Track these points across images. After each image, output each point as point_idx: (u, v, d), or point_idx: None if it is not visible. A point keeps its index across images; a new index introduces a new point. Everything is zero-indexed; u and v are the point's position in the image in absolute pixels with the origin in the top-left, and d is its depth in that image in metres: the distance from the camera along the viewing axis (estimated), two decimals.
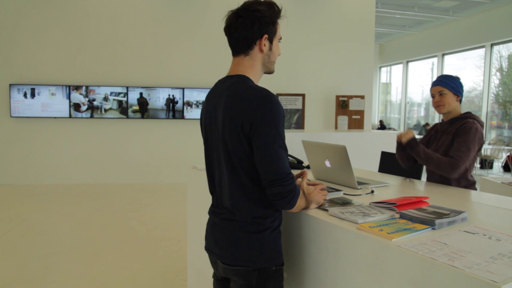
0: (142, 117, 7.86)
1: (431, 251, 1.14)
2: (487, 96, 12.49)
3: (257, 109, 1.34)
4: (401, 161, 2.57)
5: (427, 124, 14.73)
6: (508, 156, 9.78)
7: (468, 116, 2.33)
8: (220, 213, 1.52)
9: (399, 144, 2.46)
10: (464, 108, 2.46)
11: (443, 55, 14.27)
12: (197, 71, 8.00)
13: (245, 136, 1.37)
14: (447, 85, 2.34)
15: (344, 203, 1.67)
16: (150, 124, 7.93)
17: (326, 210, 1.55)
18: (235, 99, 1.40)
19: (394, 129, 16.64)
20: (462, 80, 2.41)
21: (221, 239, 1.51)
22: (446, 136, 2.34)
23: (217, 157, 1.50)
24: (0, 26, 7.44)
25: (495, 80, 12.93)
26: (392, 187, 2.12)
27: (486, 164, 9.98)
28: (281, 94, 7.93)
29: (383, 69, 18.76)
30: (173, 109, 7.93)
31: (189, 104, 7.97)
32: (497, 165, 10.44)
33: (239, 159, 1.41)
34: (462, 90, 2.39)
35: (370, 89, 8.64)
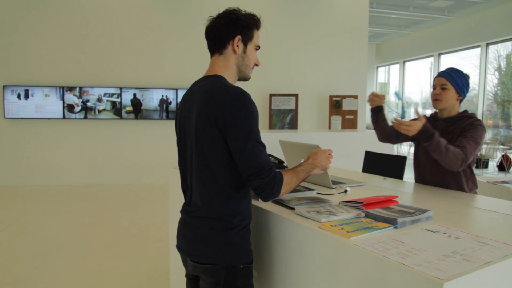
0: (136, 118, 7.86)
1: (386, 250, 1.15)
2: (483, 96, 12.50)
3: (231, 106, 1.37)
4: (381, 136, 2.42)
5: None
6: (503, 156, 9.78)
7: (471, 115, 2.17)
8: (191, 210, 1.53)
9: (375, 112, 2.34)
10: (463, 108, 2.27)
11: (439, 54, 14.29)
12: (191, 72, 7.97)
13: (219, 132, 1.39)
14: (452, 79, 2.14)
15: (314, 202, 1.68)
16: (143, 125, 7.94)
17: (293, 209, 1.57)
18: (210, 96, 1.42)
19: None
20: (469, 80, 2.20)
21: (190, 236, 1.52)
22: (451, 136, 2.12)
23: (190, 155, 1.51)
24: None
25: (494, 79, 12.95)
26: (368, 186, 2.13)
27: (481, 163, 9.99)
28: (274, 95, 7.94)
29: (381, 69, 18.78)
30: (166, 110, 7.93)
31: None
32: (493, 164, 10.45)
33: (212, 156, 1.42)
34: (467, 90, 2.19)
35: (364, 89, 8.64)
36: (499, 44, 12.14)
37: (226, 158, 1.42)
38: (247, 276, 1.50)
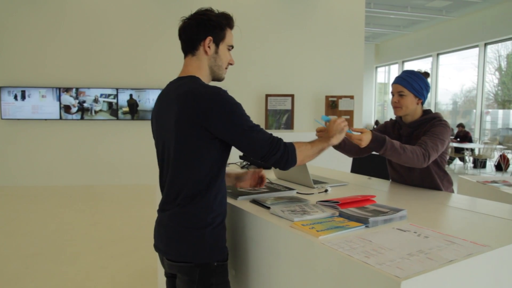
0: (132, 118, 7.88)
1: (352, 248, 1.15)
2: (481, 95, 12.49)
3: (214, 104, 1.39)
4: (350, 155, 2.31)
5: None
6: (501, 156, 9.77)
7: (434, 116, 2.13)
8: (166, 209, 1.54)
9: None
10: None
11: (438, 54, 14.28)
12: None
13: (205, 131, 1.40)
14: (408, 85, 2.08)
15: (292, 201, 1.68)
16: (140, 125, 7.95)
17: (269, 208, 1.57)
18: (190, 97, 1.42)
19: None
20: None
21: (165, 235, 1.53)
22: (415, 141, 2.06)
23: (167, 155, 1.53)
24: None
25: (494, 79, 12.94)
26: (351, 186, 2.13)
27: (479, 163, 9.98)
28: (270, 95, 7.95)
29: (380, 69, 18.77)
30: None
31: None
32: (490, 164, 10.44)
33: (189, 155, 1.44)
34: (427, 92, 2.14)
35: (360, 89, 8.64)
36: (500, 44, 12.14)
37: (203, 157, 1.43)
38: (221, 273, 1.51)
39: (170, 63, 8.04)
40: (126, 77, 7.81)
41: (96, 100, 7.76)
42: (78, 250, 4.11)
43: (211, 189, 1.46)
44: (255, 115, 8.33)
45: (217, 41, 1.55)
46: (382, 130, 2.32)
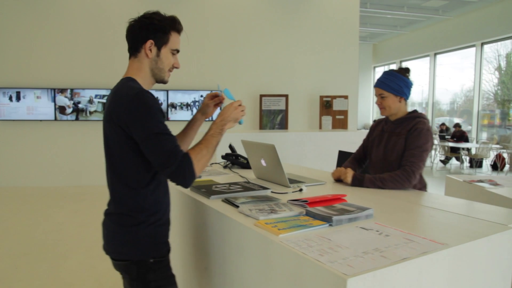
0: None
1: (309, 247, 1.15)
2: (478, 95, 12.48)
3: (128, 105, 1.41)
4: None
5: None
6: (497, 155, 9.76)
7: (417, 115, 2.21)
8: (107, 208, 1.60)
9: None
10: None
11: (435, 54, 14.28)
12: (181, 73, 8.03)
13: (123, 131, 1.43)
14: (387, 87, 2.19)
15: (262, 200, 1.69)
16: None
17: (237, 207, 1.58)
18: (112, 98, 1.49)
19: None
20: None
21: (106, 235, 1.57)
22: (397, 138, 2.19)
23: (105, 155, 1.58)
24: None
25: (494, 79, 12.92)
26: (328, 185, 2.14)
27: (475, 163, 9.97)
28: (264, 95, 7.96)
29: (378, 69, 18.78)
30: None
31: (173, 106, 8.00)
32: (487, 164, 10.43)
33: (118, 155, 1.50)
34: (408, 88, 2.22)
35: (355, 89, 8.65)
36: (499, 43, 12.12)
37: (131, 156, 1.47)
38: (160, 270, 1.54)
39: None
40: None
41: (91, 101, 7.78)
42: (67, 250, 4.13)
43: (144, 188, 1.49)
44: (250, 115, 8.34)
45: (159, 45, 1.56)
46: (372, 130, 2.48)
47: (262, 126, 8.04)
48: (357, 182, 2.06)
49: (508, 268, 1.37)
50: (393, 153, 2.19)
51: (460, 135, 10.86)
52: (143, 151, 1.43)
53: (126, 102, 1.42)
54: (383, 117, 2.39)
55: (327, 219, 1.38)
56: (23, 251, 4.09)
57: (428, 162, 11.53)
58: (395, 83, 2.19)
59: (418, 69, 15.66)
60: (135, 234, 1.48)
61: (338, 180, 2.20)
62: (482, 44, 12.19)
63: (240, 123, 1.67)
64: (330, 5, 8.65)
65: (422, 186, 2.22)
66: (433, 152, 11.26)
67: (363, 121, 18.27)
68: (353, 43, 8.71)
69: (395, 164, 2.15)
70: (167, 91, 7.95)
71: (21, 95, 7.59)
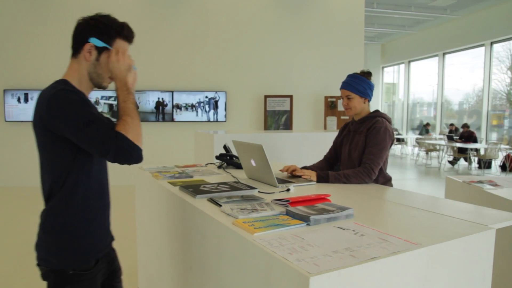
0: None
1: (281, 245, 1.16)
2: (487, 95, 12.32)
3: (50, 105, 1.37)
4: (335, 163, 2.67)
5: (427, 124, 14.58)
6: (506, 156, 9.63)
7: (377, 115, 2.38)
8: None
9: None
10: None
11: (444, 54, 14.14)
12: (186, 75, 8.09)
13: (49, 132, 1.39)
14: (353, 88, 2.36)
15: (247, 200, 1.70)
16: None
17: (220, 205, 1.59)
18: (38, 100, 1.45)
19: (395, 129, 16.50)
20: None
21: (37, 238, 1.53)
22: (359, 136, 2.37)
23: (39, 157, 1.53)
24: None
25: (506, 78, 12.73)
26: (317, 186, 2.14)
27: (484, 164, 9.84)
28: (268, 96, 7.96)
29: (387, 69, 18.65)
30: (162, 112, 8.03)
31: (178, 106, 8.06)
32: (495, 164, 10.29)
33: (43, 157, 1.47)
34: (371, 90, 2.42)
35: None
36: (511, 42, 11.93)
37: (55, 160, 1.44)
38: (80, 282, 1.46)
39: (170, 66, 8.12)
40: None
41: (97, 102, 7.86)
42: None
43: (64, 194, 1.44)
44: (254, 116, 8.36)
45: (101, 49, 1.48)
46: (341, 131, 2.64)
47: (266, 127, 8.05)
48: (322, 179, 2.19)
49: (487, 269, 1.36)
50: (356, 150, 2.36)
51: (469, 136, 10.73)
52: (82, 147, 1.39)
53: (47, 102, 1.37)
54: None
55: (305, 219, 1.38)
56: (27, 250, 4.15)
57: (435, 163, 11.41)
58: (361, 85, 2.36)
59: (428, 69, 15.51)
60: (57, 242, 1.44)
61: (295, 176, 2.31)
62: (492, 43, 12.03)
63: (134, 69, 1.55)
64: (335, 5, 8.63)
65: (386, 181, 2.36)
66: (441, 153, 11.14)
67: None
68: (358, 43, 8.67)
69: (358, 161, 2.32)
70: (172, 92, 8.00)
71: (29, 96, 7.71)
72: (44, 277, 1.48)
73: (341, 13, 8.61)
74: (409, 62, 16.39)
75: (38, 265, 1.50)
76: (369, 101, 2.44)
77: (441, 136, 12.41)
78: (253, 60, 8.30)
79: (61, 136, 1.39)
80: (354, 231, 1.31)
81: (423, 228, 1.37)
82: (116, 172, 7.84)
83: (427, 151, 11.49)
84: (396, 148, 14.89)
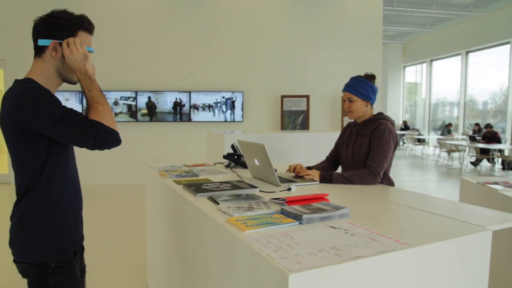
0: (151, 120, 8.11)
1: (268, 243, 1.17)
2: None
3: (19, 104, 1.38)
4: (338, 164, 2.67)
5: (449, 124, 14.26)
6: None
7: (380, 117, 2.35)
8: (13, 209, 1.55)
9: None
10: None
11: (467, 52, 13.80)
12: (203, 75, 8.18)
13: (20, 130, 1.41)
14: (356, 91, 2.34)
15: (245, 198, 1.72)
16: (158, 127, 8.16)
17: (218, 203, 1.62)
18: (4, 100, 1.46)
19: (417, 130, 16.20)
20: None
21: (10, 235, 1.53)
22: (363, 138, 2.35)
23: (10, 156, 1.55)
24: (16, 32, 7.89)
25: None
26: (320, 185, 2.14)
27: (507, 165, 9.56)
28: (285, 96, 7.96)
29: (409, 69, 18.32)
30: (180, 112, 8.13)
31: (195, 107, 8.15)
32: None
33: (14, 154, 1.47)
34: (375, 93, 2.39)
35: (379, 89, 8.49)
36: None
37: (27, 157, 1.45)
38: (62, 274, 1.51)
39: (187, 66, 8.22)
40: (145, 80, 8.04)
41: (116, 103, 8.03)
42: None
43: (42, 191, 1.47)
44: (271, 116, 8.37)
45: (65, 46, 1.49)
46: (343, 132, 2.63)
47: (283, 127, 8.05)
48: (325, 180, 2.17)
49: (484, 272, 1.34)
50: (359, 153, 2.33)
51: (492, 136, 10.44)
52: (58, 140, 1.43)
53: (14, 104, 1.39)
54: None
55: (298, 217, 1.39)
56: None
57: (457, 164, 11.15)
58: (363, 88, 2.34)
59: (451, 68, 15.15)
60: (36, 237, 1.47)
61: (298, 176, 2.29)
62: None
63: (91, 51, 1.59)
64: (352, 4, 8.55)
65: (389, 185, 2.32)
66: (462, 153, 10.88)
67: None
68: (376, 42, 8.57)
69: (362, 163, 2.29)
70: (190, 92, 8.10)
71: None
72: (24, 274, 1.50)
73: (359, 12, 8.52)
74: (431, 61, 16.07)
75: (15, 261, 1.51)
76: (371, 104, 2.41)
77: (464, 137, 12.12)
78: (270, 60, 8.32)
79: (34, 133, 1.42)
80: (345, 230, 1.31)
81: (416, 229, 1.36)
82: (127, 171, 8.01)
83: (449, 151, 11.24)
84: (417, 149, 14.62)
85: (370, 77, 2.41)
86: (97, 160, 8.08)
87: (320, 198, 1.67)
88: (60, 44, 1.50)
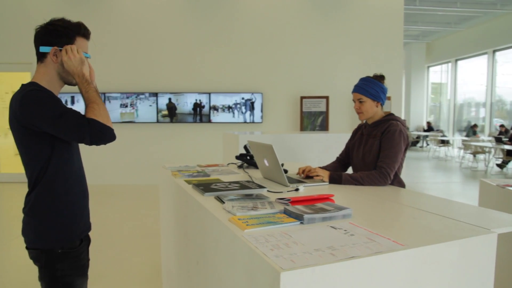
0: (171, 121, 8.23)
1: (267, 242, 1.19)
2: None
3: (23, 104, 1.53)
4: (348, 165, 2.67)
5: (475, 125, 13.88)
6: None
7: (391, 118, 2.34)
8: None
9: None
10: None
11: (494, 51, 13.41)
12: (223, 77, 8.25)
13: (25, 129, 1.55)
14: (366, 92, 2.33)
15: (251, 198, 1.74)
16: (178, 128, 8.28)
17: (223, 203, 1.64)
18: (12, 101, 1.60)
19: (441, 131, 15.84)
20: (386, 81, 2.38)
21: (23, 224, 1.67)
22: (373, 140, 2.34)
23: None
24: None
25: None
26: (328, 186, 2.14)
27: None
28: (304, 97, 7.94)
29: (433, 69, 17.94)
30: (200, 113, 8.23)
31: (215, 108, 8.23)
32: None
33: (23, 150, 1.61)
34: (384, 93, 2.38)
35: (399, 90, 8.38)
36: None
37: (35, 152, 1.59)
38: (68, 260, 1.65)
39: (207, 68, 8.31)
40: (165, 82, 8.18)
41: (132, 104, 8.19)
42: (100, 243, 4.41)
43: (50, 180, 1.60)
44: (290, 117, 8.36)
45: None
46: (354, 133, 2.62)
47: (303, 128, 8.02)
48: (334, 180, 2.16)
49: (488, 276, 1.31)
50: (370, 154, 2.31)
51: None
52: (59, 136, 1.56)
53: (19, 105, 1.53)
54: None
55: (299, 217, 1.40)
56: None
57: (482, 166, 10.85)
58: (373, 88, 2.33)
59: (478, 68, 14.74)
60: (44, 224, 1.61)
61: (308, 176, 2.29)
62: None
63: (88, 57, 1.72)
64: (373, 3, 8.45)
65: (401, 187, 2.28)
66: (488, 155, 10.58)
67: (416, 122, 17.54)
68: (397, 42, 8.44)
69: (373, 164, 2.27)
70: (209, 94, 8.18)
71: (75, 99, 8.17)
72: (35, 259, 1.64)
73: (379, 12, 8.41)
74: (456, 60, 15.69)
75: (27, 248, 1.65)
76: (382, 104, 2.40)
77: (490, 138, 11.78)
78: (289, 61, 8.32)
79: (38, 131, 1.55)
80: (345, 230, 1.31)
81: (419, 230, 1.35)
82: (146, 172, 8.14)
83: (474, 153, 10.95)
84: (441, 150, 14.30)
85: (379, 78, 2.41)
86: (119, 161, 8.27)
87: (325, 198, 1.68)
88: (60, 50, 1.64)
